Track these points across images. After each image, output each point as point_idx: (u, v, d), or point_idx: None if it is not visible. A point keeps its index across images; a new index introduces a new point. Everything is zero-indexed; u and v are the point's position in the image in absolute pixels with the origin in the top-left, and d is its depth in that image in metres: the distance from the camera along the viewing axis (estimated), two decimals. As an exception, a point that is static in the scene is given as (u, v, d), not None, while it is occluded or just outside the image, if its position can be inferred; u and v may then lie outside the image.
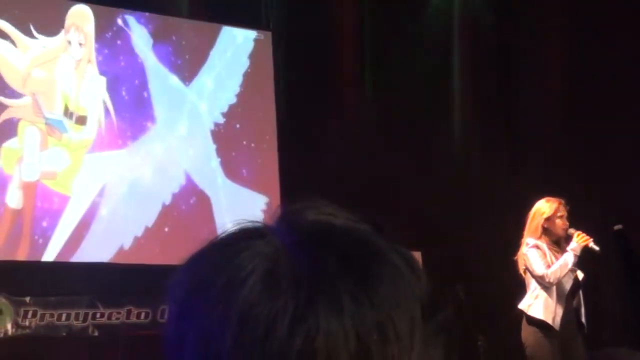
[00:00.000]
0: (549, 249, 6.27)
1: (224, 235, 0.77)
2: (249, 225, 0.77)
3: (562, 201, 6.39)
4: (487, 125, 9.62)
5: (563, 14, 9.38)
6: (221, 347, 0.70)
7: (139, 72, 8.07)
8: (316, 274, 0.71)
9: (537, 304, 6.23)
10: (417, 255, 8.77)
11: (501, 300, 6.89)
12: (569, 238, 6.28)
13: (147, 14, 8.22)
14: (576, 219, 6.66)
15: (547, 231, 6.32)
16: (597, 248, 6.24)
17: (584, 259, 6.42)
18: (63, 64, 7.68)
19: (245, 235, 0.76)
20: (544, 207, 6.36)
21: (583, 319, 6.27)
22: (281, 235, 0.75)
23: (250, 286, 0.71)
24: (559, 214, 6.32)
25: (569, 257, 6.17)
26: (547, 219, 6.32)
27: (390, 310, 0.71)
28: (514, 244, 6.47)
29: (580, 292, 6.31)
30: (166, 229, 7.94)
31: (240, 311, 0.70)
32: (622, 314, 8.48)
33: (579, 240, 6.19)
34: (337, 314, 0.69)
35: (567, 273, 6.20)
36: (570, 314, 6.24)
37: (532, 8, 9.67)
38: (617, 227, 8.84)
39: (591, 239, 6.22)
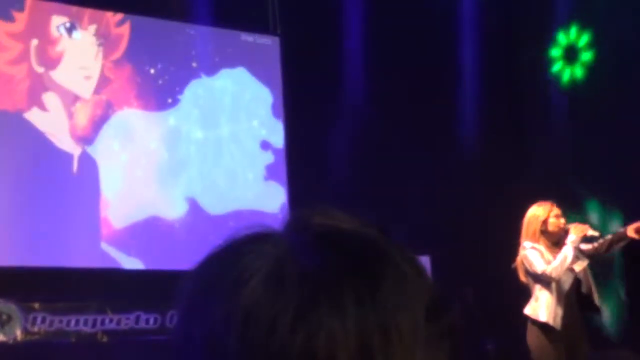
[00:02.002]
0: (549, 251, 6.27)
1: (232, 239, 0.78)
2: (258, 229, 0.78)
3: (553, 202, 6.42)
4: (495, 130, 9.62)
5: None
6: (226, 345, 0.71)
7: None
8: (320, 274, 0.72)
9: (539, 307, 6.25)
10: (426, 259, 8.78)
11: (510, 304, 6.88)
12: (567, 234, 6.30)
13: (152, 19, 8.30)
14: (580, 221, 6.67)
15: (545, 234, 6.34)
16: (596, 234, 6.25)
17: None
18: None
19: (253, 238, 0.77)
20: (538, 211, 6.39)
21: (597, 302, 6.27)
22: (288, 238, 0.76)
23: (254, 285, 0.72)
24: (552, 214, 6.35)
25: (567, 251, 6.17)
26: (544, 222, 6.35)
27: (394, 311, 0.71)
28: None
29: (590, 275, 6.30)
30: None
31: (244, 309, 0.71)
32: (626, 315, 8.46)
33: (576, 231, 6.21)
34: (339, 314, 0.70)
35: (567, 269, 6.20)
36: (573, 314, 6.23)
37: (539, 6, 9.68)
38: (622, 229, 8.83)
39: (587, 226, 6.23)
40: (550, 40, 9.66)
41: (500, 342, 7.48)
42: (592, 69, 9.29)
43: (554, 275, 6.14)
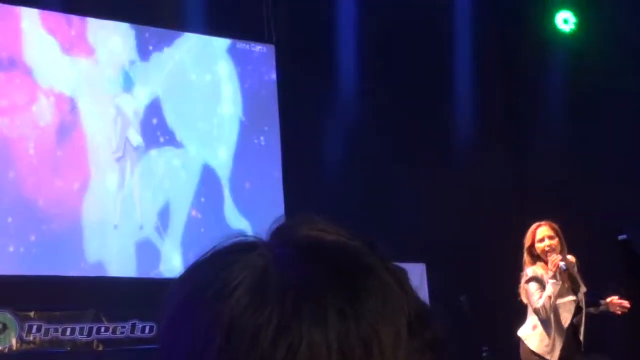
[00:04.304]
0: (547, 272, 6.20)
1: (217, 248, 0.79)
2: (243, 238, 0.79)
3: (542, 223, 6.31)
4: (492, 138, 9.63)
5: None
6: (208, 355, 0.71)
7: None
8: (303, 287, 0.72)
9: (534, 336, 6.22)
10: (422, 267, 8.78)
11: (506, 310, 6.88)
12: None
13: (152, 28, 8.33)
14: (579, 232, 6.65)
15: (538, 258, 6.27)
16: (564, 267, 6.16)
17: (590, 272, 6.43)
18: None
19: (238, 248, 0.77)
20: (526, 238, 6.32)
21: (581, 337, 6.23)
22: (273, 249, 0.76)
23: (237, 297, 0.72)
24: (537, 239, 6.26)
25: (548, 289, 6.12)
26: (531, 248, 6.28)
27: (376, 325, 0.71)
28: (518, 255, 6.45)
29: (583, 310, 6.27)
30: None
31: (227, 322, 0.71)
32: (627, 323, 8.46)
33: (551, 267, 6.14)
34: (322, 327, 0.70)
35: (567, 300, 6.17)
36: (572, 345, 6.20)
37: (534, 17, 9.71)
38: (622, 237, 8.85)
39: (559, 259, 6.13)
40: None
41: (496, 349, 7.47)
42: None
43: (543, 315, 6.13)
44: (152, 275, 7.80)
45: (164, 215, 7.91)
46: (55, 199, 7.38)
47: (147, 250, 7.87)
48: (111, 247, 7.71)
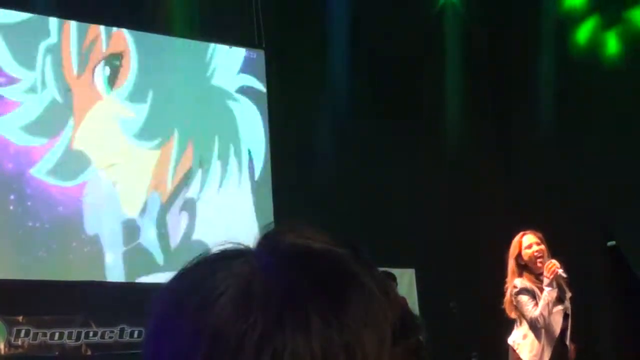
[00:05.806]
0: (535, 285, 6.15)
1: (203, 255, 0.79)
2: (230, 246, 0.79)
3: (527, 231, 6.25)
4: (483, 145, 9.65)
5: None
6: None
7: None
8: (287, 295, 0.72)
9: (525, 345, 6.20)
10: (411, 272, 8.79)
11: (494, 316, 6.89)
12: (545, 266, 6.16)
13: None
14: (568, 237, 6.65)
15: (525, 268, 6.21)
16: (564, 275, 6.10)
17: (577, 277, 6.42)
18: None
19: (224, 256, 0.77)
20: (511, 247, 6.24)
21: (567, 341, 6.22)
22: (258, 256, 0.76)
23: (222, 305, 0.72)
24: (524, 245, 6.21)
25: (545, 296, 6.08)
26: (518, 256, 6.21)
27: (359, 332, 0.72)
28: (506, 260, 6.44)
29: (570, 317, 6.24)
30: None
31: (211, 330, 0.71)
32: (617, 327, 8.49)
33: (548, 273, 6.07)
34: (305, 334, 0.70)
35: (556, 309, 6.15)
36: (560, 352, 6.19)
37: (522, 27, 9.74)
38: (611, 243, 8.88)
39: (558, 267, 6.07)
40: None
41: (485, 355, 7.48)
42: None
43: (541, 323, 6.08)
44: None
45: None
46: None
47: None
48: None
